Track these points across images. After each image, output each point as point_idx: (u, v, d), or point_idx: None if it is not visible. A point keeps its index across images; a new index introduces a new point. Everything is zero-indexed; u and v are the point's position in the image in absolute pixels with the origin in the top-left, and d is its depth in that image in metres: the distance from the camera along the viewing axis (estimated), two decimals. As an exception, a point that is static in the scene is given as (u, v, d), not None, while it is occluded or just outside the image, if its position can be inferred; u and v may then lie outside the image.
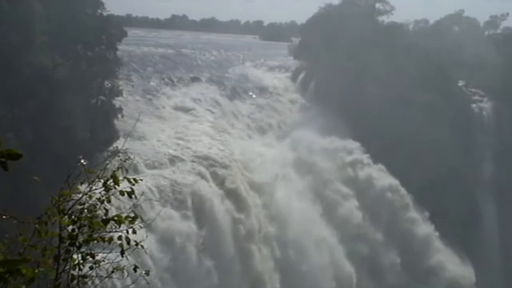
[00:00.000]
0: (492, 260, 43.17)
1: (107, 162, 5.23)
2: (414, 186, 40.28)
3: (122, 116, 33.49)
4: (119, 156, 5.48)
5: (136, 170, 29.28)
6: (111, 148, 29.27)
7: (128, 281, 5.41)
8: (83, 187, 4.71)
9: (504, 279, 41.67)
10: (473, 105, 50.36)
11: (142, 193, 26.29)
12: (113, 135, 31.41)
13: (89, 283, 4.48)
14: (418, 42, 50.15)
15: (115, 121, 32.86)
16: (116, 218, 4.46)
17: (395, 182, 40.73)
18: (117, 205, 5.63)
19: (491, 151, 47.84)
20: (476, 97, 51.24)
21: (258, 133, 41.35)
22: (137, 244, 4.63)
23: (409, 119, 42.42)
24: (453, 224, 40.87)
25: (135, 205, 4.93)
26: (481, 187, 46.49)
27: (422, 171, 40.63)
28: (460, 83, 51.12)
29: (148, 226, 25.03)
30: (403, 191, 40.74)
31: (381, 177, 40.82)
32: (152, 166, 32.03)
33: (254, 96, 45.28)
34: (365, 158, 41.08)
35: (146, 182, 29.13)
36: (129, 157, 5.28)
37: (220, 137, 37.23)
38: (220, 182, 33.11)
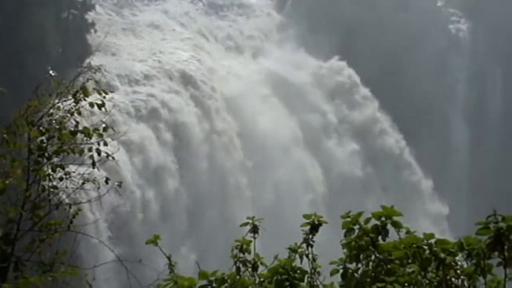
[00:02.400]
0: (461, 185, 43.81)
1: (79, 75, 5.13)
2: (388, 104, 40.54)
3: (95, 31, 32.71)
4: (91, 71, 5.38)
5: (110, 86, 28.91)
6: (84, 64, 28.74)
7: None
8: (53, 99, 4.63)
9: (472, 206, 41.32)
10: (451, 26, 50.00)
11: (113, 106, 26.29)
12: (86, 51, 30.80)
13: (60, 193, 4.49)
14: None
15: (88, 36, 32.12)
16: (84, 130, 4.41)
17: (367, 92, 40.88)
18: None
19: (465, 73, 47.93)
20: (454, 18, 50.78)
21: (235, 50, 40.78)
22: (108, 156, 4.60)
23: (385, 36, 42.26)
24: (424, 147, 41.41)
25: (106, 117, 4.89)
26: (454, 108, 46.92)
27: (396, 88, 40.95)
28: (439, 3, 50.53)
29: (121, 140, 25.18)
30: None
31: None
32: (126, 82, 31.66)
33: (230, 12, 44.30)
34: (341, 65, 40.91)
35: (120, 98, 28.95)
36: (99, 69, 5.17)
37: (196, 53, 36.63)
38: (195, 98, 32.97)
